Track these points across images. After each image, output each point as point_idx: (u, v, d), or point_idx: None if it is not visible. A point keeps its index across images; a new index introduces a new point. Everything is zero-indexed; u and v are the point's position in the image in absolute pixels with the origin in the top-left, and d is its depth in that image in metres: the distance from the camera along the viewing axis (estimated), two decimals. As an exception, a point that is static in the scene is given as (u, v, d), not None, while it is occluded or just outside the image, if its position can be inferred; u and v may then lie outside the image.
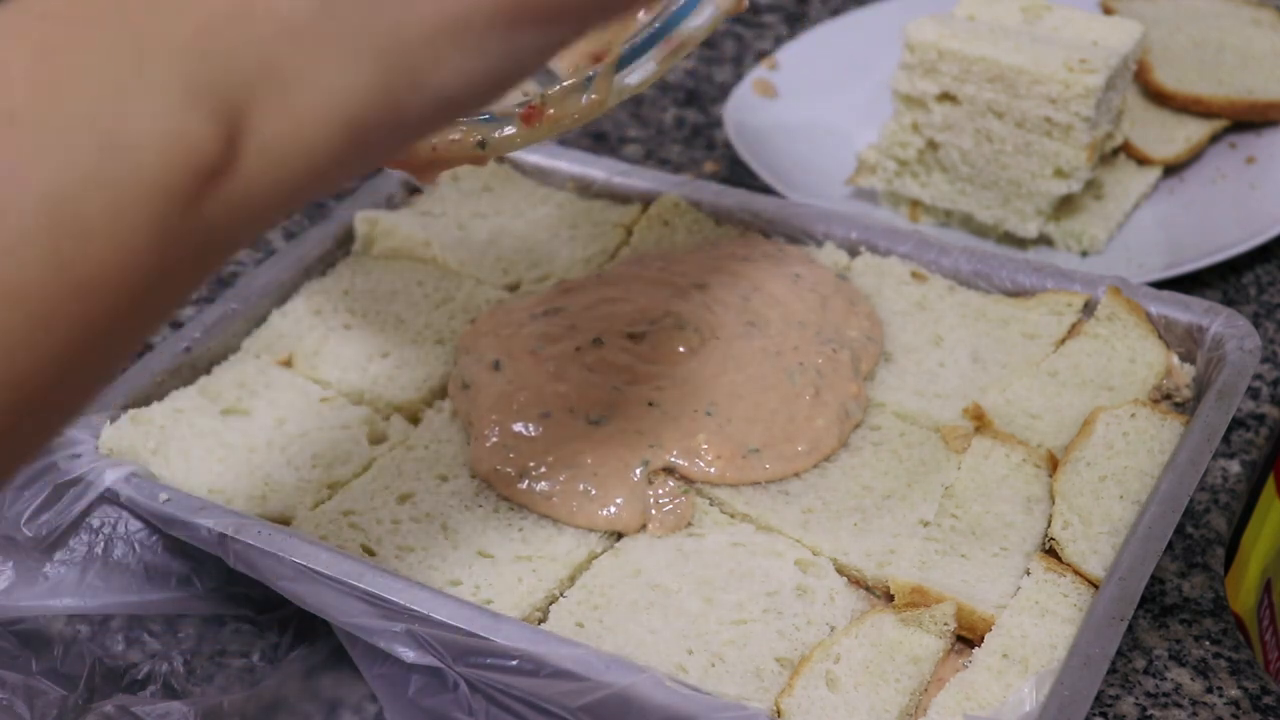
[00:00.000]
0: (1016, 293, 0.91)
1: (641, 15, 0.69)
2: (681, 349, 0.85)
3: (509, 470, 0.79)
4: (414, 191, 1.04)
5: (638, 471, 0.78)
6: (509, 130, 0.68)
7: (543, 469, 0.79)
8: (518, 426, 0.81)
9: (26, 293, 0.39)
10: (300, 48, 0.44)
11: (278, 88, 0.43)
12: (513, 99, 0.69)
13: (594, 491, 0.78)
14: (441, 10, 0.46)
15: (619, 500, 0.77)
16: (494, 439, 0.81)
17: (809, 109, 1.20)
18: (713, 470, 0.79)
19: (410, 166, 0.69)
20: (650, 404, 0.82)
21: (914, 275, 0.93)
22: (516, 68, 0.49)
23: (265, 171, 0.44)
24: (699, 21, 0.66)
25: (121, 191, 0.40)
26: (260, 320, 0.93)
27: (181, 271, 0.43)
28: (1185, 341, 0.86)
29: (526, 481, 0.79)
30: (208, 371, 0.89)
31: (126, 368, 0.91)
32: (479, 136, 0.68)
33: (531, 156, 1.04)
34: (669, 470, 0.79)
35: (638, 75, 0.67)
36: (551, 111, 0.68)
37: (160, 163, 0.41)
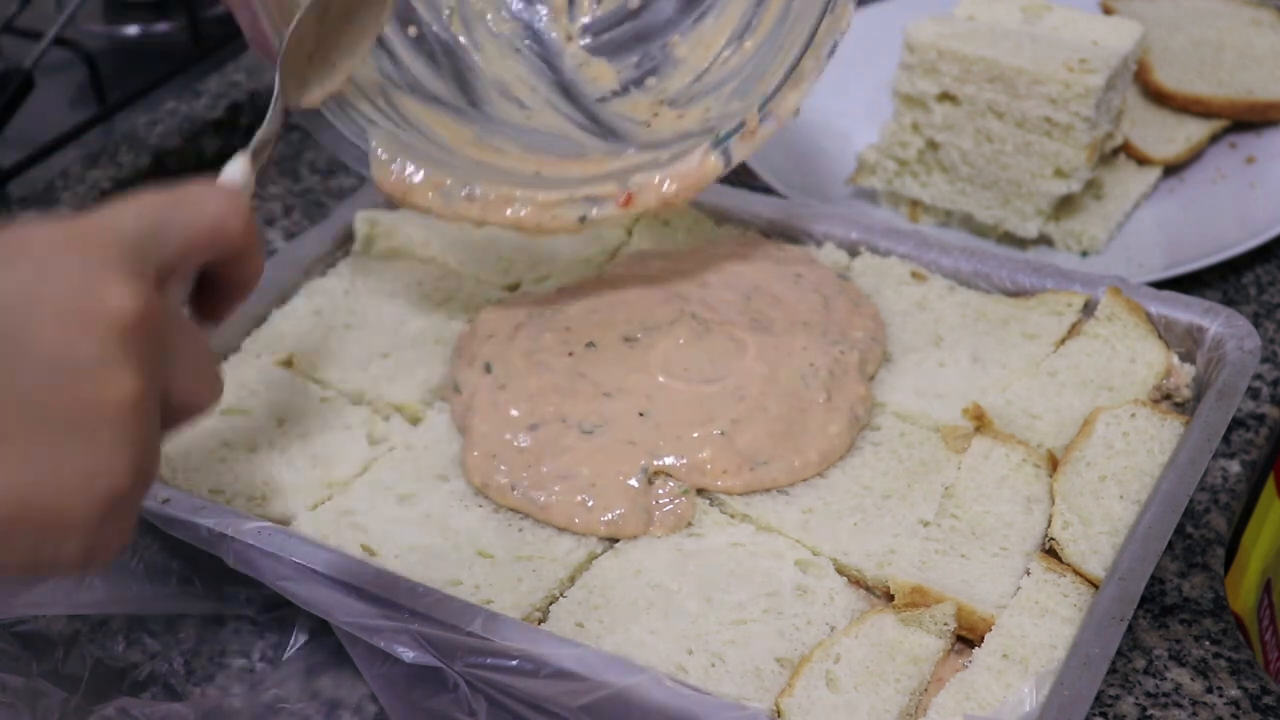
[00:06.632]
0: (1016, 293, 0.91)
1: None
2: (682, 352, 0.85)
3: (501, 482, 0.79)
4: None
5: (636, 479, 0.78)
6: (607, 210, 0.83)
7: (537, 480, 0.79)
8: (508, 437, 0.81)
9: None
10: None
11: None
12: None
13: (591, 502, 0.77)
14: None
15: (619, 510, 0.77)
16: (484, 449, 0.81)
17: (809, 109, 1.19)
18: (719, 483, 0.79)
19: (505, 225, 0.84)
20: (643, 414, 0.81)
21: (914, 275, 0.93)
22: None
23: None
24: (769, 127, 0.85)
25: None
26: (260, 320, 0.93)
27: None
28: (1185, 341, 0.86)
29: (520, 492, 0.78)
30: (208, 371, 0.89)
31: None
32: (580, 214, 0.83)
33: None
34: (669, 472, 0.79)
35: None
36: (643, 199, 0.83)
37: None
